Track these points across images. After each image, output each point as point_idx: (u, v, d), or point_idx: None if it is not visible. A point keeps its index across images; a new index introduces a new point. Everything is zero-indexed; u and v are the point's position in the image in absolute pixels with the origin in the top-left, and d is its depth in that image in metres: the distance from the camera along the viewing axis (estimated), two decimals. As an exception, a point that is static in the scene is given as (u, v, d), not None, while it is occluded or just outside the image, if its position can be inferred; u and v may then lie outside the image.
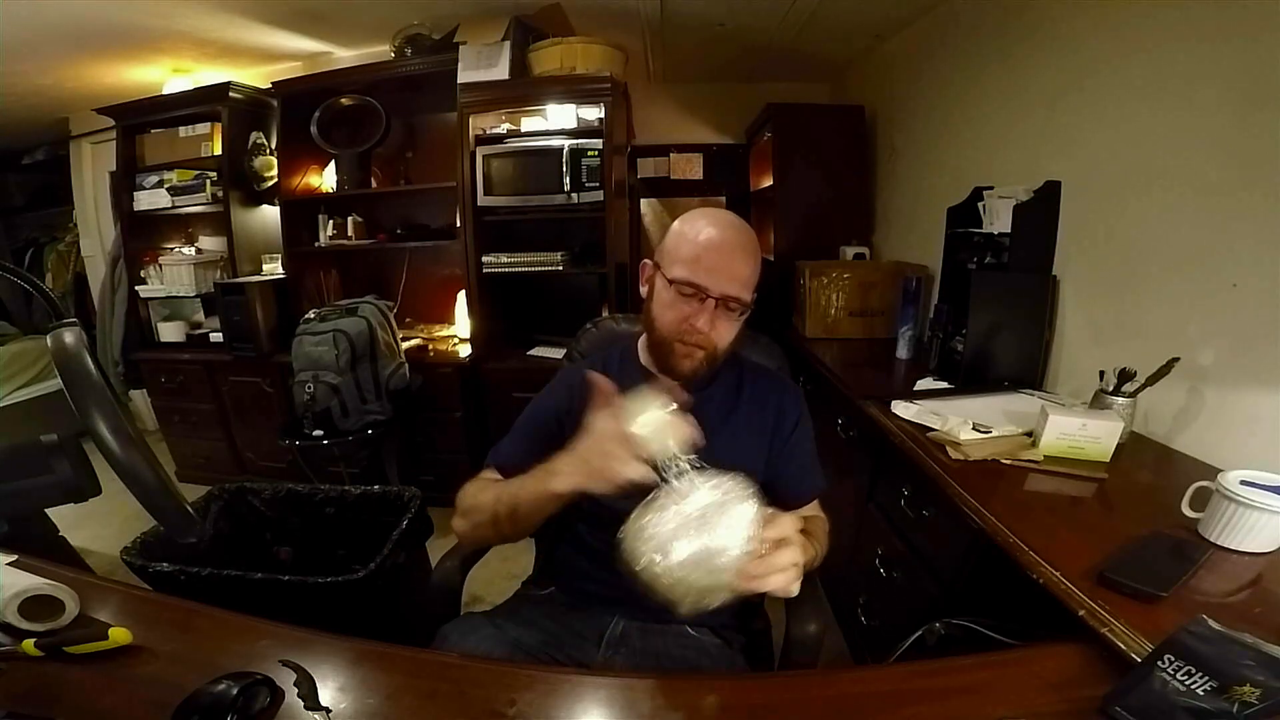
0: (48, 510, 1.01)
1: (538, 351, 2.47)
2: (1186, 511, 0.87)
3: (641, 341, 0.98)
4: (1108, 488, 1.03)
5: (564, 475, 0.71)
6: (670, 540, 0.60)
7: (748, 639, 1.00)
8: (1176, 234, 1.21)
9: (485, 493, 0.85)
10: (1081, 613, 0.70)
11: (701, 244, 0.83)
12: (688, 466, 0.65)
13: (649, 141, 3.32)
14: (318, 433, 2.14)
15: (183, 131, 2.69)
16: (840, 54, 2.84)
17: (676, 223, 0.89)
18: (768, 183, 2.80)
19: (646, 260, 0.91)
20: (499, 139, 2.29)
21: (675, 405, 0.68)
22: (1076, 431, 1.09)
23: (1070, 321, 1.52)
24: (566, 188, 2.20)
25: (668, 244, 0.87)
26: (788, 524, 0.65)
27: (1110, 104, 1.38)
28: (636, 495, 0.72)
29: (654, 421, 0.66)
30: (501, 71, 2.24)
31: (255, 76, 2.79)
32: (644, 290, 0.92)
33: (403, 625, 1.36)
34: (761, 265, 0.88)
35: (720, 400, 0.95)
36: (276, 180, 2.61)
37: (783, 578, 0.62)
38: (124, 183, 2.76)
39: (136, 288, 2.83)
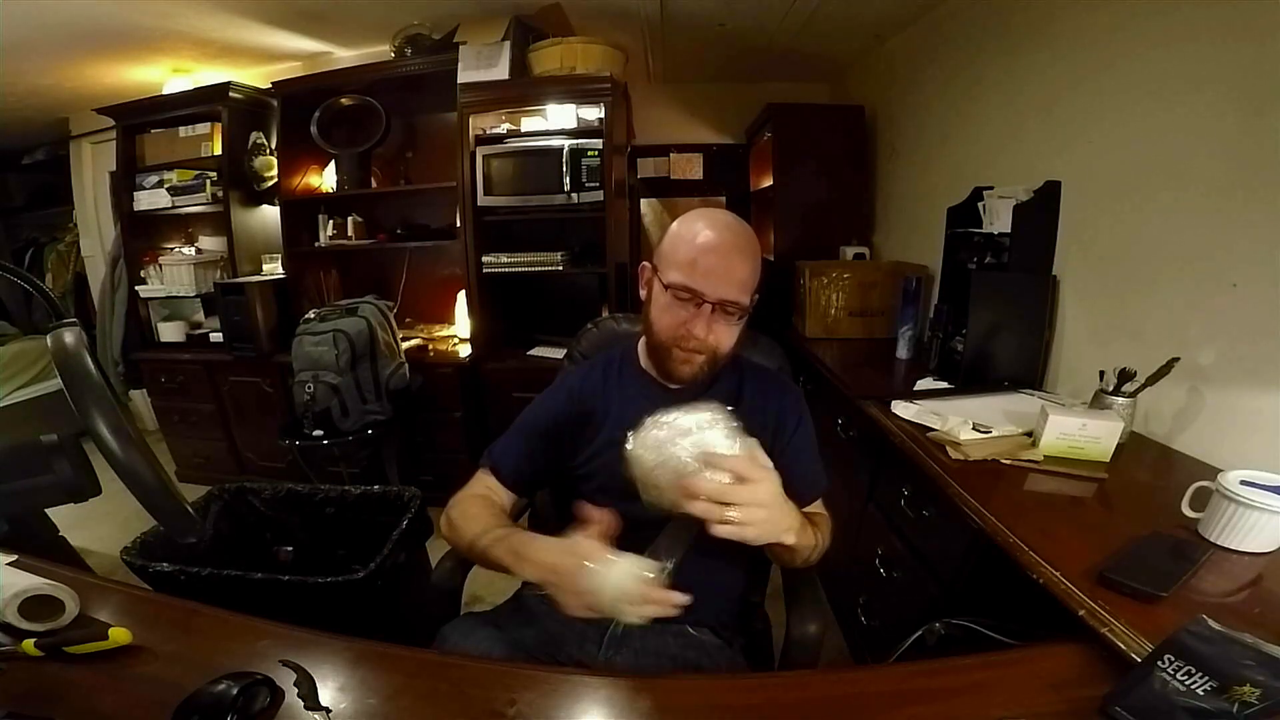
0: (48, 510, 1.01)
1: (538, 351, 2.47)
2: (1186, 511, 0.87)
3: (642, 344, 0.98)
4: (1108, 488, 1.03)
5: (532, 569, 0.71)
6: (649, 430, 0.70)
7: (748, 639, 1.00)
8: (1176, 234, 1.21)
9: (469, 525, 0.85)
10: (1081, 613, 0.70)
11: (698, 247, 0.82)
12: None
13: (649, 141, 3.32)
14: (318, 433, 2.14)
15: (183, 131, 2.69)
16: (840, 54, 2.84)
17: (673, 225, 0.87)
18: (768, 183, 2.80)
19: (645, 263, 0.91)
20: (499, 139, 2.29)
21: (659, 573, 0.65)
22: (1076, 431, 1.09)
23: (1070, 321, 1.52)
24: (566, 188, 2.19)
25: (664, 247, 0.86)
26: (763, 470, 0.68)
27: (1110, 104, 1.38)
28: (635, 496, 0.72)
29: (621, 585, 0.64)
30: (501, 71, 2.24)
31: (255, 76, 2.79)
32: (643, 294, 0.91)
33: (403, 625, 1.36)
34: (762, 265, 0.87)
35: (720, 402, 0.95)
36: (276, 180, 2.61)
37: (737, 514, 0.65)
38: (124, 183, 2.76)
39: (136, 288, 2.83)
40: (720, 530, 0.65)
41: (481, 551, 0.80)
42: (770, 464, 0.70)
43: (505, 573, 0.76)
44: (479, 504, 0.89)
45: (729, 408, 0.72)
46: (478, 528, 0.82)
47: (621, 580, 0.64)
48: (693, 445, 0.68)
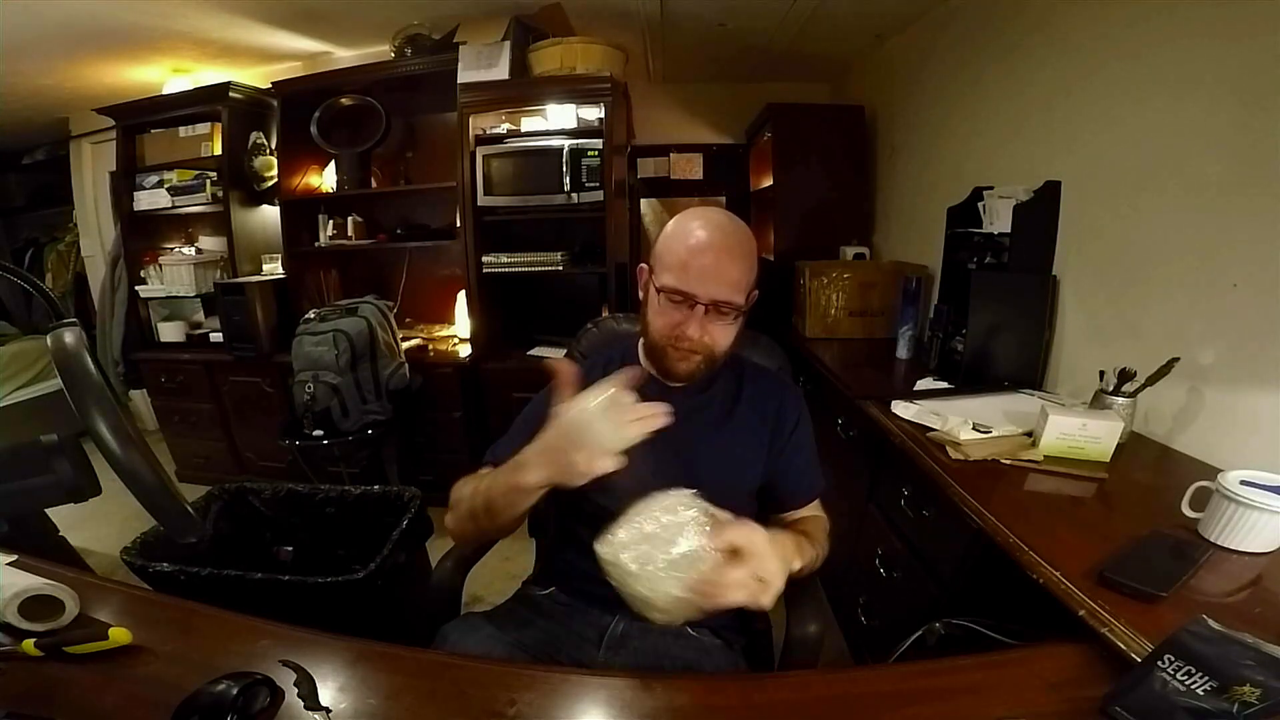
0: (48, 510, 1.01)
1: (538, 351, 2.47)
2: (1186, 511, 0.87)
3: (642, 343, 0.98)
4: (1108, 488, 1.03)
5: (532, 468, 0.71)
6: (623, 551, 0.64)
7: (748, 639, 1.00)
8: (1177, 234, 1.21)
9: (466, 487, 0.84)
10: (1081, 613, 0.70)
11: (690, 249, 0.82)
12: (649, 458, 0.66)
13: (649, 141, 3.32)
14: (318, 433, 2.14)
15: (183, 131, 2.69)
16: (840, 54, 2.84)
17: (667, 226, 0.87)
18: (768, 183, 2.80)
19: (643, 264, 0.91)
20: (499, 139, 2.29)
21: (631, 389, 0.68)
22: (1076, 431, 1.09)
23: (1070, 321, 1.52)
24: (566, 188, 2.19)
25: (658, 249, 0.87)
26: (748, 535, 0.64)
27: (1110, 104, 1.38)
28: (635, 496, 0.72)
29: (604, 406, 0.66)
30: (501, 71, 2.24)
31: (255, 76, 2.79)
32: (641, 295, 0.92)
33: (403, 625, 1.36)
34: (759, 263, 0.87)
35: (720, 402, 0.95)
36: (276, 180, 2.61)
37: (741, 592, 0.62)
38: (124, 183, 2.76)
39: (136, 288, 2.83)
40: (764, 602, 0.64)
41: (484, 495, 0.78)
42: (735, 519, 0.67)
43: (515, 509, 0.75)
44: (473, 477, 0.89)
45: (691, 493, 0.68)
46: (472, 487, 0.82)
47: (602, 405, 0.66)
48: (688, 548, 0.63)
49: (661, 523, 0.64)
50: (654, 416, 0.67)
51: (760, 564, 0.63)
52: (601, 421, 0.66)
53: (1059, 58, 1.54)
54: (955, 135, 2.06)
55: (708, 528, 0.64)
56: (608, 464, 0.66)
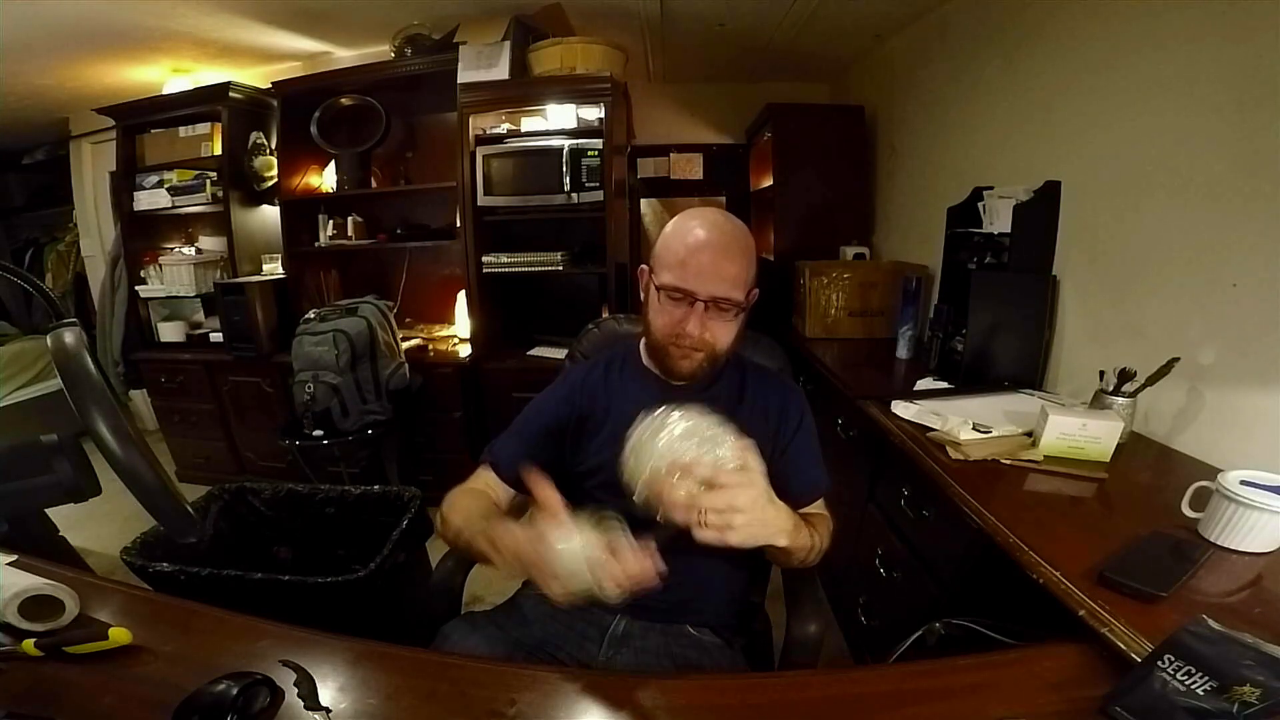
0: (48, 510, 1.01)
1: (538, 351, 2.47)
2: (1186, 511, 0.87)
3: (644, 342, 0.99)
4: (1108, 488, 1.03)
5: (502, 560, 0.68)
6: (635, 430, 0.71)
7: (748, 639, 1.00)
8: (1176, 234, 1.21)
9: (455, 516, 0.85)
10: (1081, 613, 0.70)
11: (688, 247, 0.83)
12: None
13: (649, 141, 3.32)
14: (318, 433, 2.14)
15: (183, 131, 2.69)
16: (840, 54, 2.84)
17: (667, 226, 0.89)
18: (768, 183, 2.80)
19: (644, 265, 0.92)
20: (499, 139, 2.29)
21: (618, 542, 0.62)
22: (1076, 431, 1.09)
23: (1070, 321, 1.52)
24: (566, 188, 2.19)
25: (657, 250, 0.88)
26: (752, 475, 0.68)
27: (1110, 104, 1.38)
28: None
29: (581, 558, 0.61)
30: (501, 71, 2.24)
31: (255, 76, 2.79)
32: (642, 296, 0.92)
33: (403, 625, 1.36)
34: (758, 260, 0.88)
35: (722, 403, 0.95)
36: (276, 180, 2.61)
37: (679, 513, 0.65)
38: (124, 183, 2.76)
39: (136, 288, 2.83)
40: (701, 535, 0.65)
41: (466, 544, 0.80)
42: (760, 466, 0.70)
43: (490, 565, 0.74)
44: (469, 497, 0.90)
45: (716, 414, 0.72)
46: (462, 520, 0.83)
47: (585, 552, 0.61)
48: (666, 449, 0.68)
49: (675, 424, 0.70)
50: (639, 579, 0.61)
51: (721, 504, 0.65)
52: (581, 569, 0.61)
53: (1059, 58, 1.54)
54: (955, 135, 2.06)
55: (718, 452, 0.68)
56: (574, 602, 0.62)
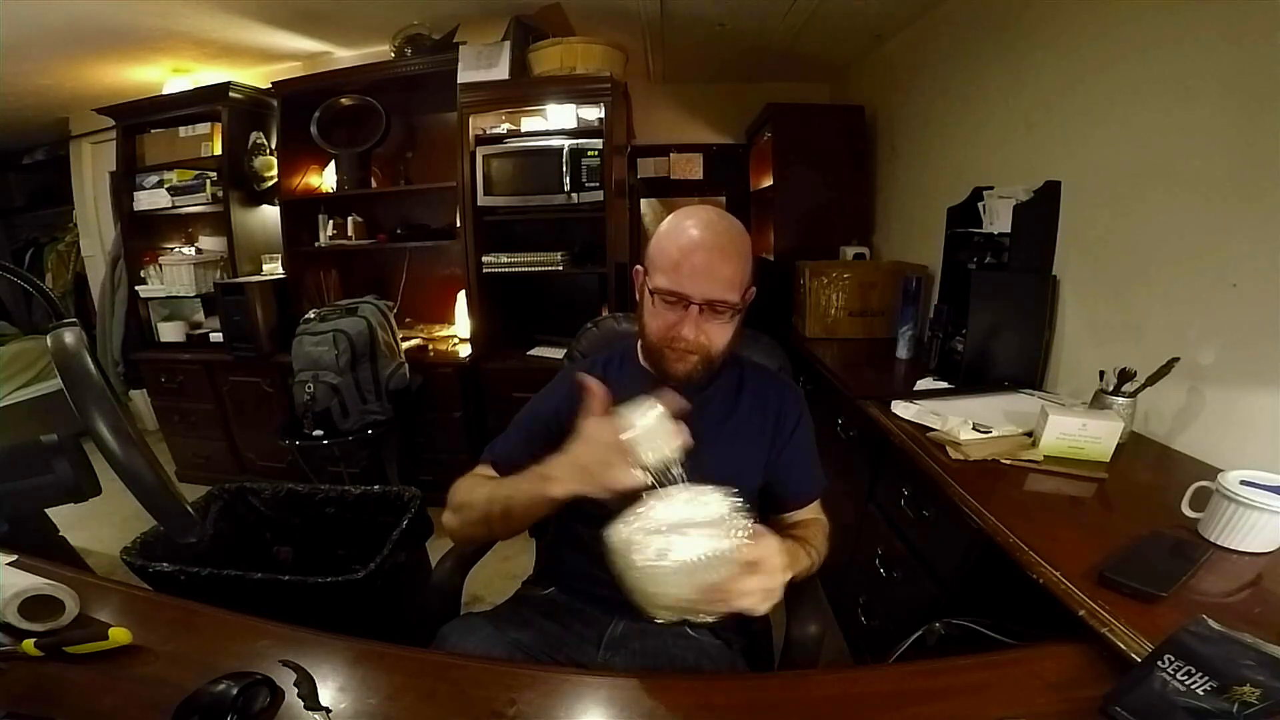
0: (48, 510, 1.01)
1: (538, 351, 2.47)
2: (1186, 511, 0.87)
3: (640, 344, 0.98)
4: (1108, 488, 1.03)
5: (559, 480, 0.71)
6: (642, 546, 0.62)
7: (748, 639, 1.00)
8: (1176, 234, 1.21)
9: (478, 490, 0.85)
10: (1081, 613, 0.70)
11: (682, 249, 0.82)
12: (680, 475, 0.66)
13: (649, 141, 3.32)
14: (318, 433, 2.14)
15: (183, 131, 2.69)
16: (840, 54, 2.84)
17: (660, 226, 0.87)
18: (768, 183, 2.80)
19: (638, 266, 0.91)
20: (499, 139, 2.29)
21: (666, 409, 0.69)
22: (1076, 431, 1.09)
23: (1070, 321, 1.52)
24: (566, 188, 2.19)
25: (651, 251, 0.86)
26: (767, 547, 0.65)
27: (1110, 104, 1.38)
28: (635, 496, 0.72)
29: (647, 426, 0.67)
30: (501, 71, 2.24)
31: (255, 76, 2.79)
32: (637, 297, 0.92)
33: (403, 625, 1.36)
34: (753, 260, 0.87)
35: (720, 402, 0.95)
36: (276, 180, 2.61)
37: (749, 601, 0.63)
38: (124, 183, 2.76)
39: (136, 288, 2.83)
40: (764, 610, 0.64)
41: (503, 503, 0.79)
42: (751, 527, 0.65)
43: (533, 517, 0.77)
44: (478, 478, 0.90)
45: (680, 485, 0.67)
46: (486, 490, 0.83)
47: (646, 422, 0.67)
48: (680, 571, 0.60)
49: (685, 518, 0.62)
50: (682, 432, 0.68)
51: (772, 575, 0.64)
52: (649, 439, 0.67)
53: (1059, 58, 1.54)
54: (955, 135, 2.06)
55: (736, 533, 0.62)
56: (639, 479, 0.67)
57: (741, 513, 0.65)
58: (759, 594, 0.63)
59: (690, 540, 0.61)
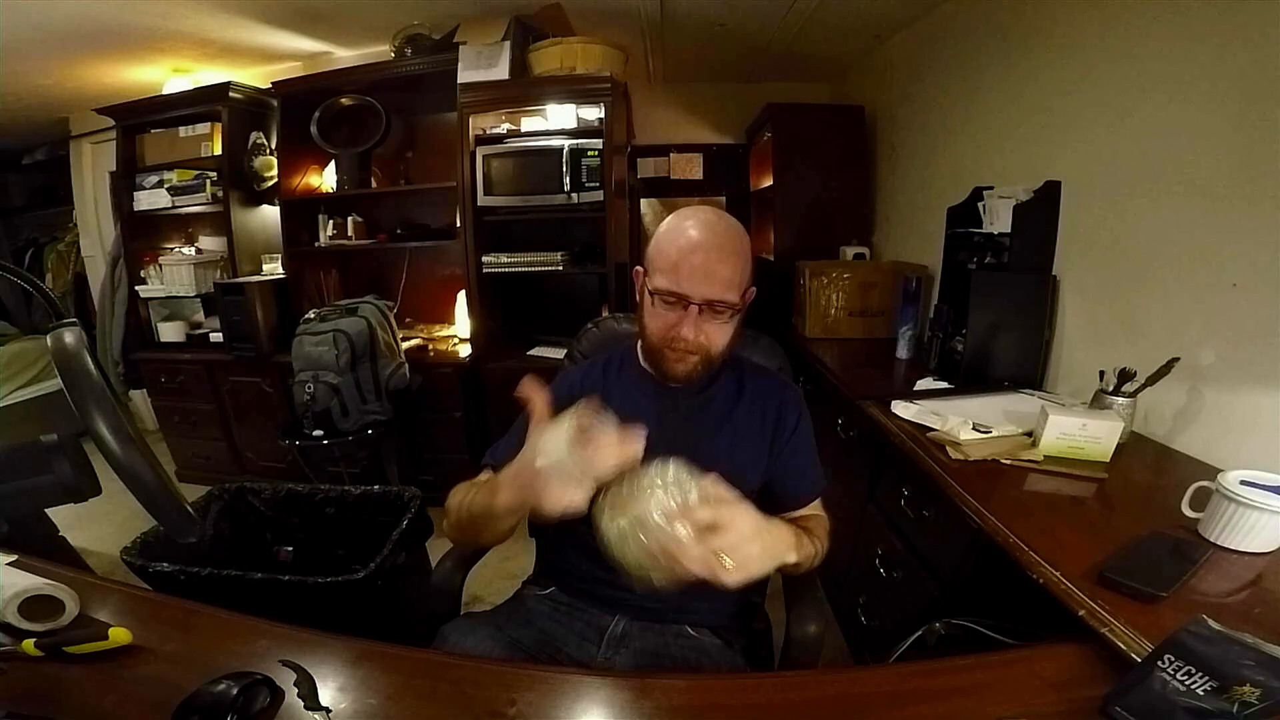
0: (48, 510, 1.01)
1: (538, 351, 2.47)
2: (1186, 511, 0.87)
3: (640, 344, 0.98)
4: (1108, 488, 1.03)
5: (504, 492, 0.71)
6: (613, 515, 0.65)
7: (748, 639, 1.00)
8: (1176, 234, 1.21)
9: (456, 496, 0.85)
10: (1081, 613, 0.70)
11: (680, 249, 0.82)
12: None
13: (649, 141, 3.33)
14: (318, 433, 2.14)
15: (183, 131, 2.69)
16: (840, 54, 2.84)
17: (659, 227, 0.87)
18: (768, 183, 2.80)
19: (638, 267, 0.91)
20: (499, 139, 2.29)
21: (588, 420, 0.66)
22: (1076, 431, 1.09)
23: (1070, 321, 1.52)
24: (566, 188, 2.20)
25: (650, 252, 0.86)
26: (734, 513, 0.65)
27: (1110, 104, 1.38)
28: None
29: (558, 455, 0.64)
30: (501, 71, 2.24)
31: (255, 76, 2.79)
32: (637, 298, 0.92)
33: (403, 625, 1.36)
34: (753, 260, 0.87)
35: (720, 401, 0.95)
36: (276, 180, 2.61)
37: (698, 566, 0.62)
38: (124, 183, 2.76)
39: (136, 288, 2.83)
40: (728, 580, 0.63)
41: (469, 510, 0.80)
42: (733, 495, 0.67)
43: (498, 524, 0.75)
44: (468, 484, 0.90)
45: (670, 460, 0.68)
46: (464, 495, 0.83)
47: (564, 439, 0.63)
48: (659, 513, 0.63)
49: (643, 488, 0.65)
50: (626, 444, 0.65)
51: (730, 542, 0.63)
52: (566, 455, 0.64)
53: (1059, 58, 1.54)
54: (955, 135, 2.06)
55: (688, 495, 0.64)
56: (577, 497, 0.64)
57: (705, 480, 0.66)
58: (709, 560, 0.62)
59: (644, 503, 0.63)
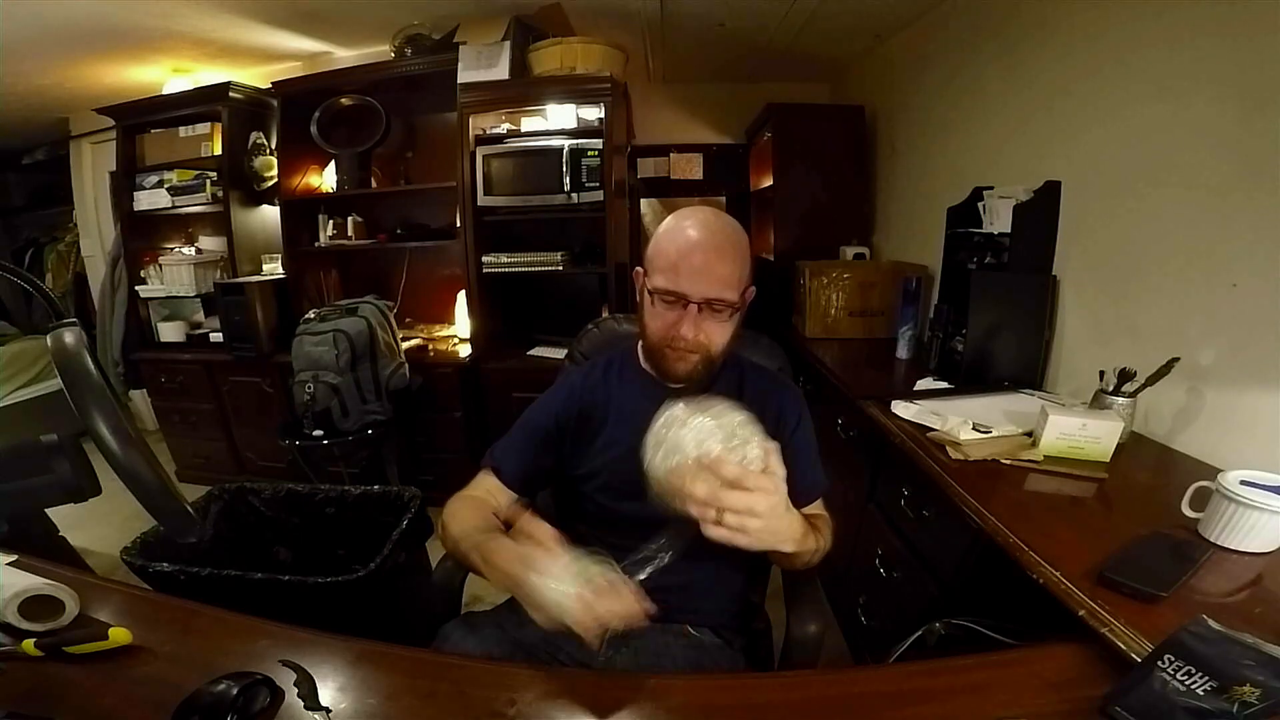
0: (48, 510, 1.01)
1: (538, 351, 2.47)
2: (1186, 511, 0.87)
3: (640, 345, 0.98)
4: (1108, 488, 1.03)
5: (496, 581, 0.69)
6: (667, 424, 0.68)
7: (748, 639, 1.00)
8: (1176, 234, 1.21)
9: (455, 525, 0.83)
10: (1081, 613, 0.70)
11: (680, 249, 0.82)
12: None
13: (649, 141, 3.32)
14: (318, 433, 2.14)
15: (183, 131, 2.69)
16: (840, 54, 2.84)
17: (659, 228, 0.88)
18: (767, 183, 2.80)
19: (638, 268, 0.91)
20: (499, 139, 2.29)
21: (608, 579, 0.63)
22: (1076, 431, 1.09)
23: (1070, 321, 1.52)
24: (566, 188, 2.20)
25: (650, 252, 0.87)
26: (764, 480, 0.64)
27: (1110, 104, 1.38)
28: (636, 496, 0.72)
29: (566, 594, 0.61)
30: (501, 71, 2.24)
31: (255, 76, 2.80)
32: (637, 298, 0.92)
33: (403, 625, 1.36)
34: (753, 260, 0.87)
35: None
36: (276, 180, 2.61)
37: (695, 509, 0.63)
38: (124, 183, 2.76)
39: (136, 288, 2.83)
40: (712, 533, 0.63)
41: (463, 555, 0.79)
42: (782, 471, 0.67)
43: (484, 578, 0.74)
44: (468, 506, 0.89)
45: (745, 411, 0.69)
46: (459, 531, 0.82)
47: (557, 599, 0.60)
48: (696, 446, 0.65)
49: (700, 422, 0.67)
50: (626, 617, 0.61)
51: (740, 503, 0.63)
52: (571, 589, 0.61)
53: (1059, 58, 1.54)
54: (955, 135, 2.06)
55: (735, 447, 0.65)
56: (563, 625, 0.61)
57: (761, 443, 0.67)
58: (707, 511, 0.62)
59: (695, 434, 0.66)
